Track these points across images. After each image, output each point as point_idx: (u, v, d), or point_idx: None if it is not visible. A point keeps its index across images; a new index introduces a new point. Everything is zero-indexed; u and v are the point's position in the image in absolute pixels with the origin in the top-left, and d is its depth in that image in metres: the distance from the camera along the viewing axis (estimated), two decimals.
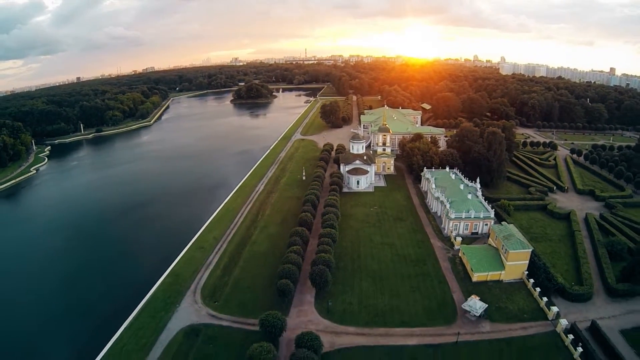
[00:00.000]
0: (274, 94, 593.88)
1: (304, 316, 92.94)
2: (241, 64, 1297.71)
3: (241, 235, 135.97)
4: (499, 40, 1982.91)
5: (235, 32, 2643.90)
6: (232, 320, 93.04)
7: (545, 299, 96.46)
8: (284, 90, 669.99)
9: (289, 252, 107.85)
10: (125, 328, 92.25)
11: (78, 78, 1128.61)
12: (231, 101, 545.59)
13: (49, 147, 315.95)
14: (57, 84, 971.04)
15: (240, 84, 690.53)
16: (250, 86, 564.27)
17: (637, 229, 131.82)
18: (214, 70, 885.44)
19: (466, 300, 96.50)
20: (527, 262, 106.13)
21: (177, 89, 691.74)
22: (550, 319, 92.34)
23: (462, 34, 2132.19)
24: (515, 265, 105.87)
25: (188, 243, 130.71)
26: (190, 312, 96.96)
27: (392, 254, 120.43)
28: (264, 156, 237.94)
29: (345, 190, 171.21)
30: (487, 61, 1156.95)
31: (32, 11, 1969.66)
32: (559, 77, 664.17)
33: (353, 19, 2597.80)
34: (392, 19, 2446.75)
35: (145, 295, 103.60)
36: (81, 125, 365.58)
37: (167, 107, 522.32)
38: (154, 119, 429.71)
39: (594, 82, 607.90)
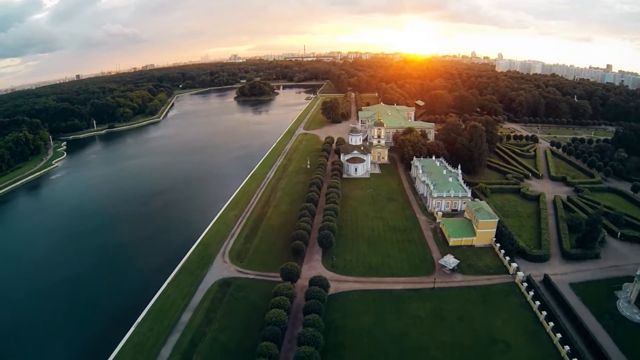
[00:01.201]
0: (275, 91, 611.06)
1: (314, 270, 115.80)
2: (241, 60, 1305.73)
3: (257, 213, 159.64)
4: (498, 36, 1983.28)
5: (233, 29, 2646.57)
6: (256, 274, 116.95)
7: (508, 258, 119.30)
8: (284, 87, 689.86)
9: (300, 222, 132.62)
10: (168, 284, 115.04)
11: (77, 76, 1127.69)
12: (235, 98, 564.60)
13: (65, 142, 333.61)
14: (57, 82, 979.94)
15: (242, 81, 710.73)
16: (253, 84, 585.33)
17: (596, 208, 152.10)
18: (216, 67, 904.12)
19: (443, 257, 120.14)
20: (495, 230, 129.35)
21: (181, 86, 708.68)
22: (510, 273, 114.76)
23: (460, 30, 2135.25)
24: (485, 232, 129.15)
25: (212, 220, 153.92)
26: (222, 269, 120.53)
27: (384, 225, 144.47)
28: (271, 148, 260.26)
29: (345, 176, 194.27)
30: (485, 57, 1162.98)
31: (29, 9, 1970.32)
32: (553, 74, 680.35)
33: (351, 16, 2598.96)
34: (390, 15, 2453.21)
35: (181, 260, 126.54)
36: (94, 121, 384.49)
37: (172, 105, 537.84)
38: (162, 116, 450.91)
39: (589, 79, 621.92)
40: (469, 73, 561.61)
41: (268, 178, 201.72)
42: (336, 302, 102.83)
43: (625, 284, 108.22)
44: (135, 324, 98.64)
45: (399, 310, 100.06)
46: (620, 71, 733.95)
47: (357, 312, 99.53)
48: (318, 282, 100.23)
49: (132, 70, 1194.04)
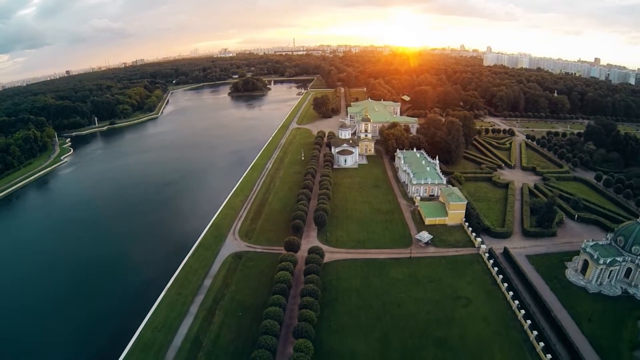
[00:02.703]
0: (267, 86, 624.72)
1: (311, 244, 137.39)
2: (231, 55, 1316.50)
3: (260, 198, 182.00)
4: (487, 28, 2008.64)
5: (222, 22, 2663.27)
6: (263, 248, 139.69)
7: (474, 234, 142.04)
8: (275, 82, 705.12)
9: (298, 205, 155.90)
10: (188, 257, 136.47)
11: (67, 72, 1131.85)
12: (229, 94, 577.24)
13: (69, 139, 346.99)
14: (47, 78, 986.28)
15: (234, 76, 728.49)
16: (247, 80, 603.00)
17: (560, 194, 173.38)
18: (208, 63, 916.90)
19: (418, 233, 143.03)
20: (464, 211, 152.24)
21: (174, 82, 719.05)
22: (476, 246, 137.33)
23: (450, 22, 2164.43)
24: (455, 213, 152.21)
25: (221, 205, 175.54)
26: (233, 245, 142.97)
27: (370, 208, 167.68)
28: (267, 142, 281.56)
29: (335, 166, 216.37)
30: (474, 50, 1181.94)
31: (15, 5, 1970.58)
32: (538, 68, 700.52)
33: (339, 8, 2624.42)
34: (379, 8, 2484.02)
35: (198, 238, 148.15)
36: (95, 118, 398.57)
37: (167, 101, 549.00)
38: (160, 112, 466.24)
39: (573, 74, 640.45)
40: (454, 68, 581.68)
41: (267, 169, 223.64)
42: (330, 268, 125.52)
43: (575, 257, 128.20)
44: (165, 289, 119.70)
45: (382, 274, 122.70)
46: (608, 64, 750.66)
47: (348, 276, 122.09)
48: (315, 251, 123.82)
49: (123, 66, 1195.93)
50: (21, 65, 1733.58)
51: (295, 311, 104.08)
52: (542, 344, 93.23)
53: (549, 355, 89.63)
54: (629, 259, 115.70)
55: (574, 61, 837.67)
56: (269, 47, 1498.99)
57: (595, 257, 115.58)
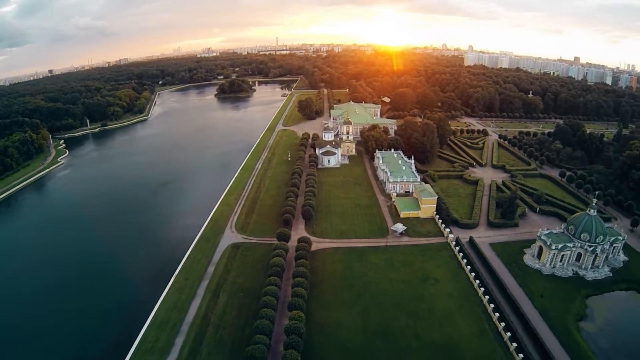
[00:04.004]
0: (252, 87, 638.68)
1: (299, 234, 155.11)
2: (214, 54, 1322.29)
3: (252, 196, 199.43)
4: (469, 27, 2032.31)
5: (205, 21, 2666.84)
6: (257, 239, 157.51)
7: (444, 225, 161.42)
8: (260, 83, 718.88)
9: (287, 201, 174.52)
10: (192, 249, 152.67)
11: (50, 71, 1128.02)
12: (215, 95, 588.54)
13: (62, 140, 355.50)
14: (31, 78, 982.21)
15: (219, 77, 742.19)
16: (232, 81, 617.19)
17: (524, 190, 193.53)
18: (193, 64, 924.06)
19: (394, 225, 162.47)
20: (435, 205, 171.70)
21: (160, 82, 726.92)
22: (445, 236, 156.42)
23: (432, 21, 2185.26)
24: (427, 207, 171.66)
25: (217, 203, 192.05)
26: (231, 237, 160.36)
27: (351, 203, 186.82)
28: (256, 144, 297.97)
29: (320, 166, 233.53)
30: (456, 49, 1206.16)
31: None
32: (517, 68, 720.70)
33: (322, 7, 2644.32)
34: (361, 7, 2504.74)
35: (198, 232, 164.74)
36: (87, 120, 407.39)
37: (155, 102, 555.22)
38: (149, 113, 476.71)
39: (549, 74, 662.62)
40: (434, 69, 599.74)
41: (257, 169, 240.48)
42: (317, 255, 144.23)
43: (533, 244, 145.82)
44: (174, 276, 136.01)
45: (362, 260, 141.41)
46: (587, 63, 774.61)
47: (332, 261, 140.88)
48: (304, 240, 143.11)
49: (106, 65, 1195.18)
50: (2, 63, 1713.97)
51: (288, 291, 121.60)
52: (497, 314, 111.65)
53: (503, 323, 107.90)
54: (579, 244, 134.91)
55: (554, 60, 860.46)
56: (252, 46, 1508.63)
57: (549, 243, 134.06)
